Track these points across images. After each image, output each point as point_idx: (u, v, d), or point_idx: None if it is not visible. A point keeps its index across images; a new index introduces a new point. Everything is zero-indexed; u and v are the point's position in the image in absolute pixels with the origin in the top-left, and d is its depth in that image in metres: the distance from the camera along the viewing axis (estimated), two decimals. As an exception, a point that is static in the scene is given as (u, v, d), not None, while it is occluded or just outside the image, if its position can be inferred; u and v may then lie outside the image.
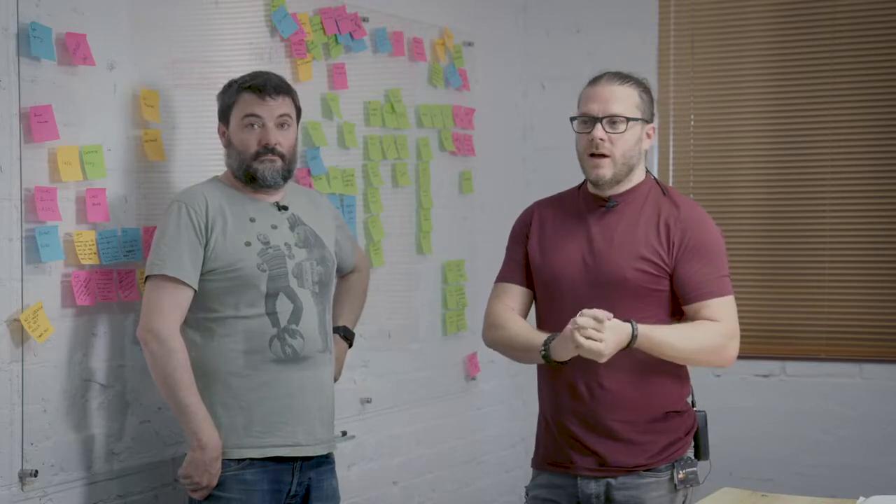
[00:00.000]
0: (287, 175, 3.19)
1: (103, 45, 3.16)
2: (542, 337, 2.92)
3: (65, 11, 3.06)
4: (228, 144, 3.18)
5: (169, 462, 3.35)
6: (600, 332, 2.75)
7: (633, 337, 2.80)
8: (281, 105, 3.16)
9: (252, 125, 3.14)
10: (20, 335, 2.95)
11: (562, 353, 2.85)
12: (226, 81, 3.50)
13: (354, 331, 3.52)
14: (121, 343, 3.23)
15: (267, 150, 3.13)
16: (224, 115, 3.19)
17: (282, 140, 3.15)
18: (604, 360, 2.78)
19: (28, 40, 2.95)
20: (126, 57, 3.24)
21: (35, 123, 2.96)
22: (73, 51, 3.06)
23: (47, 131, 2.99)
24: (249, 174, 3.14)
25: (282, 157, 3.15)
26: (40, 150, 3.01)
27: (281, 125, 3.16)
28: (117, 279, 3.18)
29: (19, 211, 2.95)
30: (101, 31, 3.15)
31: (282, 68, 3.66)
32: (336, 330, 3.41)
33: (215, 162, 3.51)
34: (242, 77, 3.21)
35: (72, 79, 3.09)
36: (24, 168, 2.95)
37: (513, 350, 3.04)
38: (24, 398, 2.97)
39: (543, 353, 2.89)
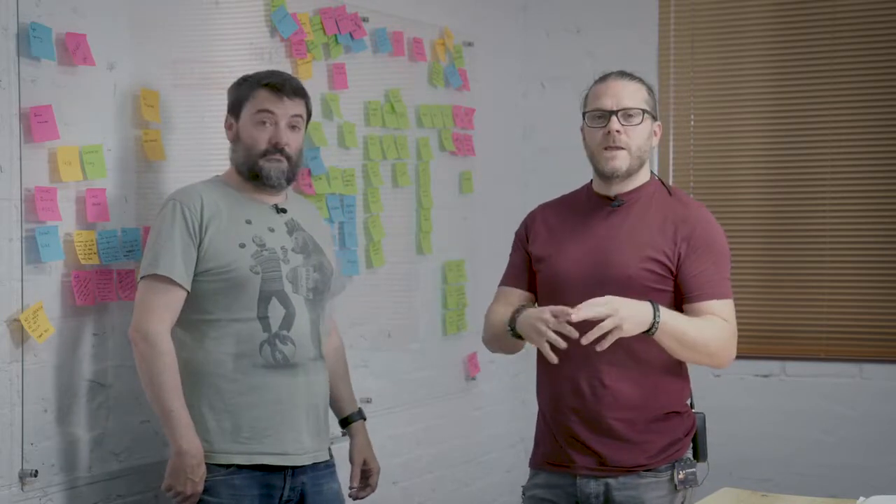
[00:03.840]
0: (291, 177, 3.17)
1: (103, 45, 3.15)
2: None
3: (65, 11, 3.06)
4: (236, 139, 3.16)
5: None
6: (600, 307, 2.69)
7: (655, 321, 2.77)
8: (295, 106, 3.15)
9: (264, 122, 3.11)
10: (20, 335, 2.95)
11: (525, 330, 2.85)
12: (226, 81, 3.50)
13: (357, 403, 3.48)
14: (121, 343, 3.22)
15: (276, 149, 3.11)
16: (235, 109, 3.16)
17: (291, 141, 3.13)
18: (626, 333, 2.71)
19: (28, 40, 2.95)
20: (126, 57, 3.24)
21: (35, 123, 2.96)
22: (73, 51, 3.06)
23: (47, 131, 2.99)
24: (254, 172, 3.12)
25: (288, 158, 3.13)
26: (40, 150, 3.01)
27: (292, 127, 3.15)
28: (117, 279, 3.18)
29: (19, 211, 2.95)
30: (101, 31, 3.15)
31: (282, 68, 3.65)
32: (350, 420, 3.40)
33: (216, 162, 3.51)
34: (259, 73, 3.20)
35: (72, 79, 3.09)
36: (24, 168, 2.95)
37: (498, 341, 3.05)
38: (24, 398, 2.97)
39: (510, 329, 2.91)
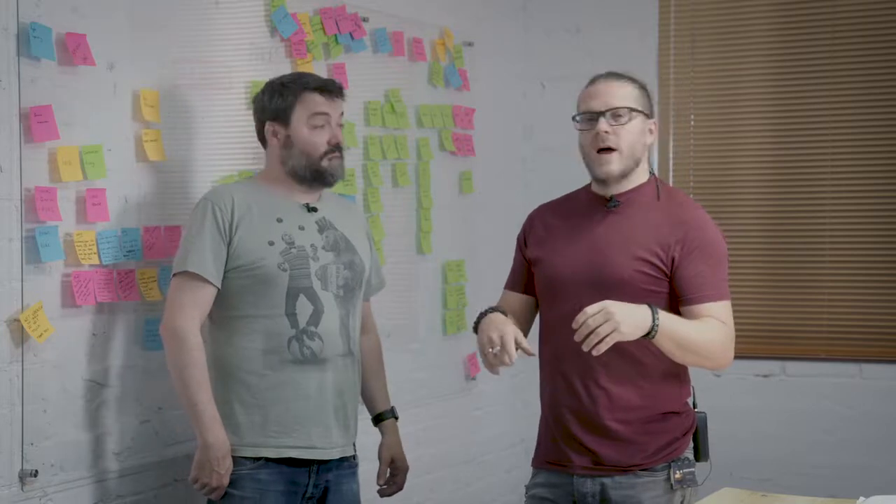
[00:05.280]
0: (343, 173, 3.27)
1: (103, 45, 3.15)
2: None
3: (65, 11, 3.06)
4: (286, 145, 3.19)
5: (169, 462, 3.35)
6: (595, 315, 2.69)
7: (654, 325, 2.75)
8: (341, 105, 3.25)
9: (322, 125, 3.18)
10: (20, 335, 2.95)
11: (479, 335, 2.88)
12: (226, 81, 3.50)
13: (390, 400, 3.51)
14: (121, 343, 3.23)
15: (336, 148, 3.19)
16: (283, 116, 3.18)
17: (342, 139, 3.24)
18: (624, 337, 2.69)
19: (28, 40, 2.95)
20: (126, 57, 3.24)
21: (35, 123, 2.96)
22: (73, 51, 3.06)
23: (47, 131, 2.99)
24: (318, 172, 3.18)
25: (342, 154, 3.23)
26: (40, 150, 3.01)
27: (339, 125, 3.23)
28: (117, 279, 3.18)
29: (19, 211, 2.95)
30: (101, 31, 3.15)
31: (282, 68, 3.66)
32: (382, 417, 3.43)
33: (216, 162, 3.52)
34: (300, 79, 3.23)
35: (72, 79, 3.09)
36: (24, 168, 2.95)
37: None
38: (24, 398, 2.97)
39: (474, 326, 2.94)
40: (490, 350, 2.79)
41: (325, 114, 3.18)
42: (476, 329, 2.92)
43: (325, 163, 3.18)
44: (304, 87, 3.19)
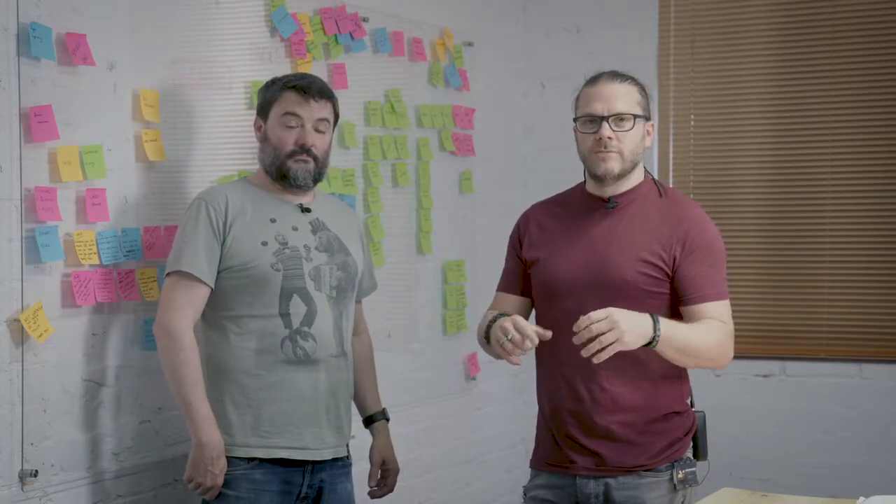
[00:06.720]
0: (318, 178, 3.22)
1: (103, 45, 3.15)
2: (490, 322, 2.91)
3: (65, 11, 3.06)
4: (264, 140, 3.20)
5: (169, 462, 3.35)
6: (599, 322, 2.67)
7: (656, 333, 2.74)
8: (322, 109, 3.19)
9: (291, 124, 3.16)
10: (20, 335, 2.95)
11: (491, 336, 2.85)
12: (226, 81, 3.50)
13: (382, 403, 3.52)
14: (121, 343, 3.23)
15: (302, 150, 3.16)
16: (263, 111, 3.21)
17: (317, 143, 3.18)
18: (626, 346, 2.68)
19: (28, 40, 2.95)
20: (126, 57, 3.24)
21: (35, 123, 2.96)
22: (73, 51, 3.06)
23: (47, 131, 2.99)
24: (282, 172, 3.17)
25: (315, 159, 3.18)
26: (40, 150, 3.01)
27: (318, 129, 3.19)
28: (117, 279, 3.18)
29: (19, 211, 2.95)
30: (101, 31, 3.15)
31: (282, 68, 3.66)
32: (373, 419, 3.44)
33: (216, 162, 3.52)
34: (287, 76, 3.25)
35: (72, 79, 3.09)
36: (24, 168, 2.95)
37: (484, 346, 3.00)
38: (24, 398, 2.97)
39: (486, 336, 2.90)
40: (506, 338, 2.76)
41: (296, 115, 3.15)
42: (487, 336, 2.90)
43: (290, 163, 3.15)
44: (284, 84, 3.19)
